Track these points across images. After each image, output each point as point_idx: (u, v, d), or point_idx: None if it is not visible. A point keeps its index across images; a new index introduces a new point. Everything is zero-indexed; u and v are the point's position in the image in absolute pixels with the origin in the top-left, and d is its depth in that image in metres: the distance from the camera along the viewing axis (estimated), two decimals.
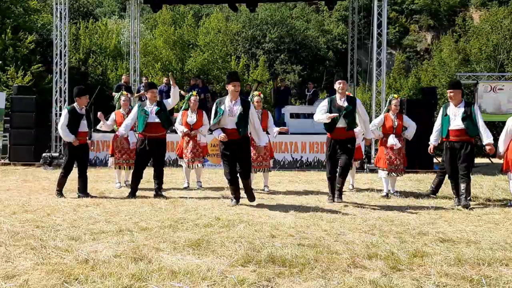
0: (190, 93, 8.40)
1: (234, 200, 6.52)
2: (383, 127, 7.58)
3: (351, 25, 17.96)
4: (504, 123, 6.95)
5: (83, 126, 7.16)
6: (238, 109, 6.14)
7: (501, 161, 6.99)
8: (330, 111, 6.59)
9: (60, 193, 7.11)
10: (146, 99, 7.45)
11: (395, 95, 7.69)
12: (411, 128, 7.58)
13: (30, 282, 3.18)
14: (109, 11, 41.26)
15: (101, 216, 5.59)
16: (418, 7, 44.40)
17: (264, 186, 8.15)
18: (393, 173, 7.52)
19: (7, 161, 13.29)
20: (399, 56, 35.61)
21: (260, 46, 35.40)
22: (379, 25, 12.55)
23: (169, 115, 7.47)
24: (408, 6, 44.64)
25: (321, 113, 6.66)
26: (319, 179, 9.64)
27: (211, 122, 6.37)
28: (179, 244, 4.22)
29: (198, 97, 8.46)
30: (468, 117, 6.51)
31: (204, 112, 8.40)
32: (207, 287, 3.15)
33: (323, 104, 6.74)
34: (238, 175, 6.33)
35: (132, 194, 7.10)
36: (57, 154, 12.99)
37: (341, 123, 6.55)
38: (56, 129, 13.25)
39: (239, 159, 6.24)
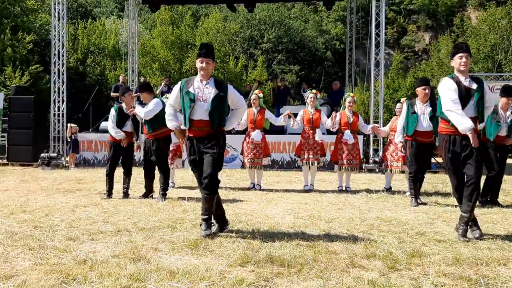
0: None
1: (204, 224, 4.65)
2: (339, 123, 8.08)
3: (349, 25, 17.98)
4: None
5: (128, 126, 7.16)
6: (211, 92, 4.54)
7: None
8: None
9: (109, 194, 7.09)
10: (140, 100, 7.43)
11: (351, 94, 8.33)
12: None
13: (28, 283, 3.17)
14: (107, 11, 41.21)
15: (99, 216, 5.58)
16: (416, 8, 44.43)
17: (256, 184, 8.19)
18: (346, 168, 8.03)
19: (5, 161, 13.29)
20: (397, 56, 35.58)
21: (258, 46, 35.40)
22: (377, 25, 12.57)
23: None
24: (406, 7, 44.66)
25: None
26: (317, 179, 9.64)
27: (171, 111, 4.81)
28: (177, 244, 4.22)
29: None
30: (435, 116, 6.21)
31: None
32: (206, 287, 3.15)
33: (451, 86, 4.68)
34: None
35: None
36: (55, 155, 12.99)
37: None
38: (54, 129, 13.26)
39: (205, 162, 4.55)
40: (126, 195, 7.10)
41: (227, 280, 3.24)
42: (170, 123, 4.84)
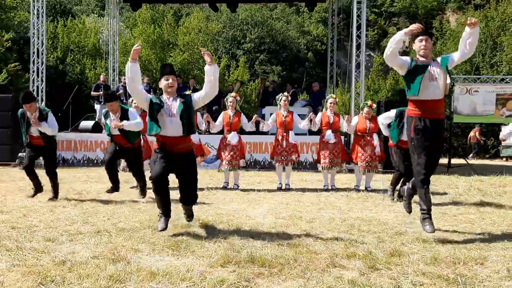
0: None
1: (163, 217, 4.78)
2: (320, 123, 8.27)
3: (331, 27, 18.09)
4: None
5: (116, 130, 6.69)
6: (177, 105, 4.61)
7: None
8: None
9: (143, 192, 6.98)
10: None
11: (333, 95, 8.56)
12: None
13: (6, 284, 3.12)
14: (88, 9, 40.71)
15: (78, 217, 5.51)
16: (396, 10, 44.93)
17: (234, 184, 8.25)
18: (328, 167, 8.19)
19: None
20: (377, 58, 35.94)
21: (240, 47, 35.39)
22: (358, 27, 12.68)
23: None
24: (387, 9, 45.15)
25: None
26: (299, 179, 9.69)
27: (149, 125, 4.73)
28: (158, 245, 4.20)
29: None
30: None
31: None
32: None
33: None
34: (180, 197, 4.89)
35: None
36: None
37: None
38: None
39: (181, 178, 4.76)
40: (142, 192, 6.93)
41: (208, 281, 3.23)
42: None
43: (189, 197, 4.83)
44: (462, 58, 4.73)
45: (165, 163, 4.59)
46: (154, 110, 4.58)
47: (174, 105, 4.62)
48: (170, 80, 4.67)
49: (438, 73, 4.56)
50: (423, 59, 4.61)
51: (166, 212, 4.74)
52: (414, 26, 4.47)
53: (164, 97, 4.70)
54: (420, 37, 4.59)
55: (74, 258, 3.70)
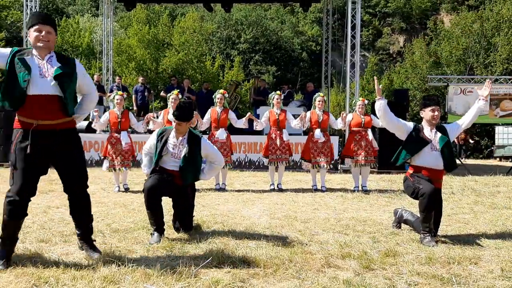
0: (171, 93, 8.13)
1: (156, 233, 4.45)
2: (310, 122, 8.24)
3: (325, 27, 18.11)
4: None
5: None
6: (183, 150, 4.50)
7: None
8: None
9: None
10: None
11: (321, 94, 8.51)
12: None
13: None
14: (83, 9, 40.59)
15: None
16: (391, 10, 45.13)
17: (222, 183, 8.25)
18: (319, 166, 8.17)
19: None
20: (372, 58, 36.09)
21: (235, 47, 35.41)
22: (353, 28, 12.70)
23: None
24: (381, 9, 45.33)
25: None
26: (293, 180, 9.69)
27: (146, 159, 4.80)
28: (152, 246, 4.18)
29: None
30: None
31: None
32: None
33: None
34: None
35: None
36: None
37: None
38: None
39: (177, 206, 4.68)
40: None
41: (203, 281, 3.22)
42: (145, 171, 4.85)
43: (186, 224, 4.71)
44: (459, 131, 4.96)
45: (160, 178, 4.47)
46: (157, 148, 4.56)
47: (181, 148, 4.54)
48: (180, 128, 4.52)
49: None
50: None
51: (159, 229, 4.44)
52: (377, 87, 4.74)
53: (172, 134, 4.57)
54: (433, 107, 4.71)
55: (67, 259, 3.68)
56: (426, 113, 4.71)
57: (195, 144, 4.56)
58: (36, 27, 3.51)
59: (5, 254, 3.52)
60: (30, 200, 3.63)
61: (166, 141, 4.55)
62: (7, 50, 3.51)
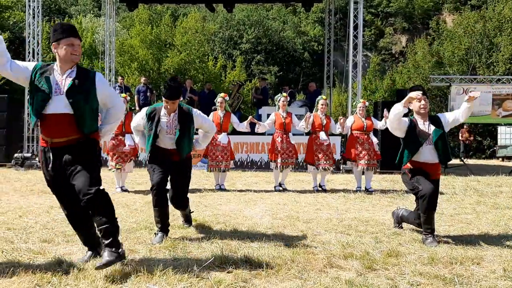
0: None
1: (160, 232, 4.49)
2: (312, 125, 8.25)
3: (328, 27, 18.08)
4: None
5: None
6: (177, 125, 4.57)
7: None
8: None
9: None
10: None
11: (324, 97, 8.51)
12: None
13: (2, 286, 3.10)
14: (85, 9, 40.65)
15: None
16: (393, 10, 45.04)
17: (220, 185, 8.27)
18: (324, 168, 8.20)
19: None
20: (374, 58, 36.03)
21: (237, 47, 35.41)
22: (355, 28, 12.69)
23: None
24: (383, 9, 45.24)
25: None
26: (296, 180, 9.69)
27: (142, 139, 4.85)
28: (155, 245, 4.18)
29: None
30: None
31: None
32: None
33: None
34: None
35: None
36: (29, 155, 12.72)
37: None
38: (29, 129, 12.98)
39: (173, 182, 4.64)
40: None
41: (205, 281, 3.22)
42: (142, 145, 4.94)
43: (178, 199, 4.68)
44: (454, 123, 4.84)
45: (163, 170, 4.51)
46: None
47: (175, 124, 4.57)
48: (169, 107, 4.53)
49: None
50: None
51: (163, 228, 4.46)
52: (413, 95, 4.45)
53: (163, 111, 4.58)
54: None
55: (70, 259, 3.68)
56: (414, 105, 4.65)
57: (188, 118, 4.63)
58: (68, 41, 3.47)
59: None
60: (83, 210, 3.56)
61: (159, 120, 4.57)
62: (31, 67, 3.56)
